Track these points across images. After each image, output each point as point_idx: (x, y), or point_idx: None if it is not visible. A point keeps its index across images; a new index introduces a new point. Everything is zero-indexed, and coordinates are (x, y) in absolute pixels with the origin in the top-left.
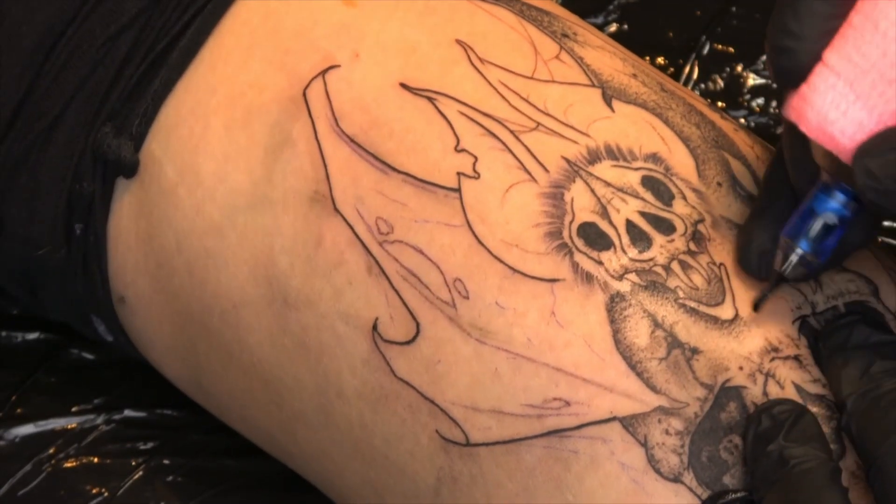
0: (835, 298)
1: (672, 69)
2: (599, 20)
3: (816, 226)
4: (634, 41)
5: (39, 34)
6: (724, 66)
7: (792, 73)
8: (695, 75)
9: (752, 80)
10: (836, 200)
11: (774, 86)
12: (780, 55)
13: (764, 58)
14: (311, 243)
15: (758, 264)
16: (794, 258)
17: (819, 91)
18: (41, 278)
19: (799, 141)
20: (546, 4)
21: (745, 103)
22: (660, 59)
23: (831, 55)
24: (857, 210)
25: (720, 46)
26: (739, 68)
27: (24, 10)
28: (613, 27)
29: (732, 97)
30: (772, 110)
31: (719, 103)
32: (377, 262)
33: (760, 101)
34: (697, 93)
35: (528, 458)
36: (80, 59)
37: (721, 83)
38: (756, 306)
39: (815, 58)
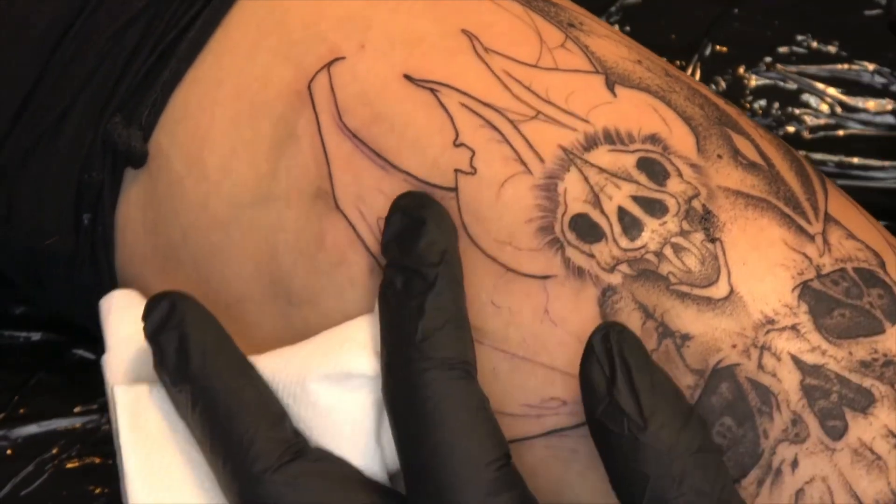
0: (843, 262)
1: None
2: None
3: None
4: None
5: (47, 25)
6: (726, 67)
7: None
8: (697, 77)
9: (755, 81)
10: None
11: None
12: None
13: (767, 59)
14: (314, 241)
15: None
16: None
17: None
18: (48, 269)
19: None
20: None
21: (748, 105)
22: None
23: None
24: None
25: (722, 48)
26: (741, 70)
27: (31, 1)
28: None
29: (735, 99)
30: (774, 112)
31: None
32: (379, 263)
33: (763, 102)
34: None
35: (529, 458)
36: (88, 50)
37: (723, 84)
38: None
39: None
